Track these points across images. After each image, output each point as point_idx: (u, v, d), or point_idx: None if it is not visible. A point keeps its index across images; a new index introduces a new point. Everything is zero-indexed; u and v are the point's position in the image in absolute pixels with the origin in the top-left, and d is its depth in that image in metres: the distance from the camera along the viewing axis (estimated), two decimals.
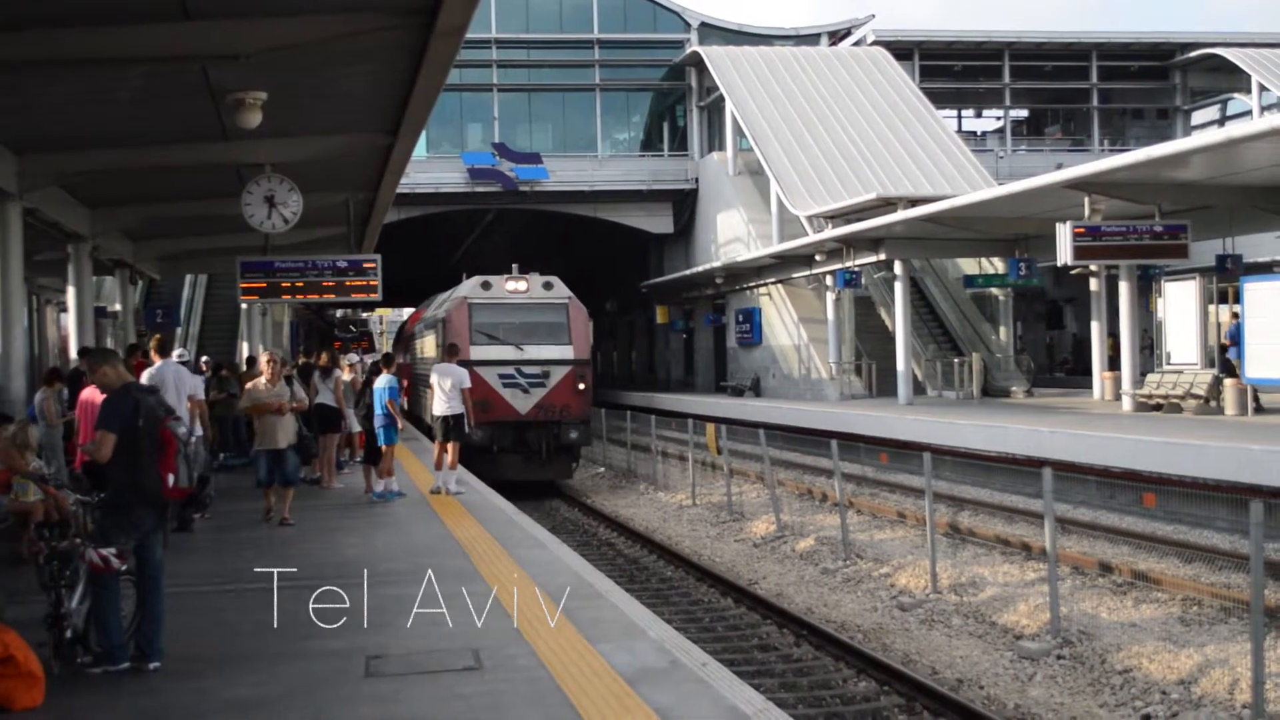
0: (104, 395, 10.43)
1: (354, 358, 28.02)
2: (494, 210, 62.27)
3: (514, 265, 33.67)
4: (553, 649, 10.06)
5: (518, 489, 28.03)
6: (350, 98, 17.74)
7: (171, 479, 10.02)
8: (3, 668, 8.57)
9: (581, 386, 31.76)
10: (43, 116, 17.07)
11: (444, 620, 11.35)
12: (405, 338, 52.16)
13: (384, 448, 20.49)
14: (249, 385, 19.02)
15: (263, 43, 13.56)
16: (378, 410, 20.55)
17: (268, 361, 18.82)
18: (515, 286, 32.76)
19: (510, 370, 31.26)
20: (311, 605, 12.11)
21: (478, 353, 30.94)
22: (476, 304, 32.36)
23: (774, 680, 13.84)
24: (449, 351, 22.44)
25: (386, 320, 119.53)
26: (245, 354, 33.12)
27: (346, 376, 22.97)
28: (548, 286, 32.85)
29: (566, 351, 31.96)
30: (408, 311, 76.06)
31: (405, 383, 38.25)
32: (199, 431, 17.48)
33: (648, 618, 11.31)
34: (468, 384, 21.14)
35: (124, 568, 9.87)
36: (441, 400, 20.92)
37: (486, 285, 32.78)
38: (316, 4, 13.49)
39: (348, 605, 12.17)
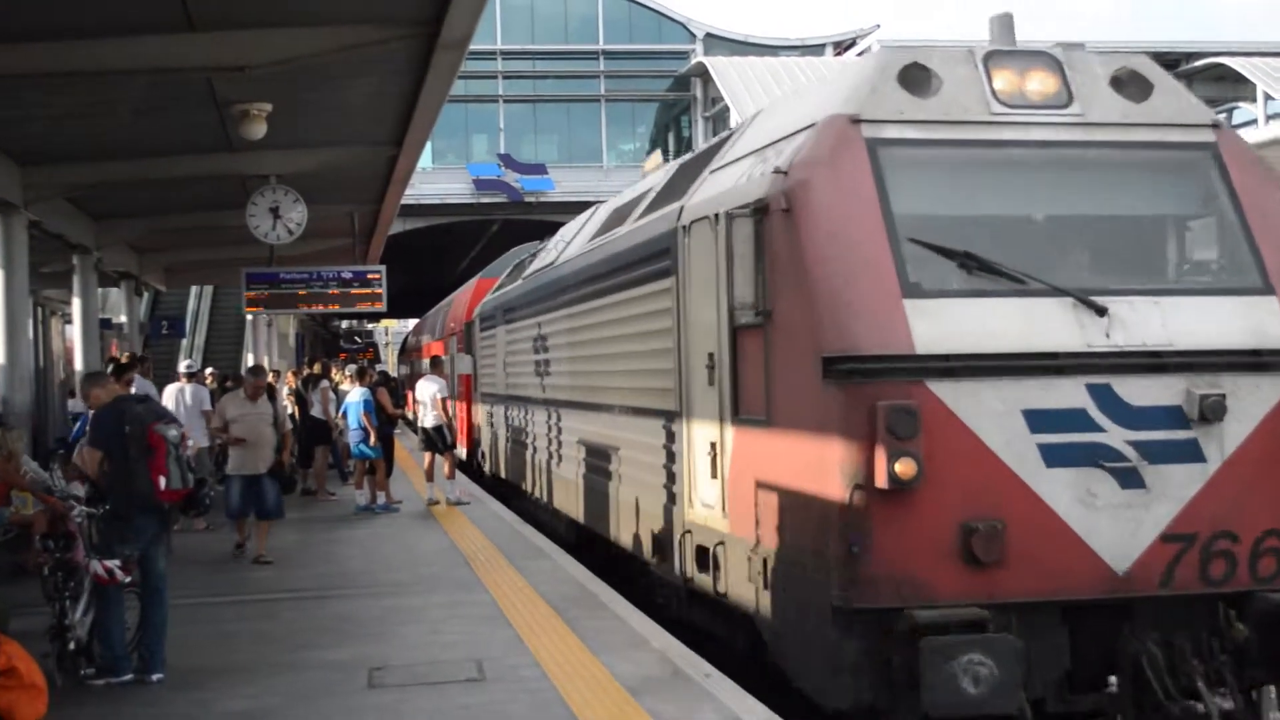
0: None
1: (351, 369, 25.51)
2: (499, 221, 62.38)
3: None
4: (555, 659, 10.05)
5: None
6: (355, 109, 17.76)
7: (163, 481, 10.03)
8: (5, 679, 8.54)
9: None
10: (47, 128, 17.08)
11: (446, 630, 11.37)
12: (466, 324, 28.31)
13: (358, 462, 20.67)
14: (221, 400, 17.01)
15: (268, 55, 13.57)
16: (352, 425, 20.58)
17: (249, 375, 17.17)
18: (1033, 85, 9.38)
19: (1075, 401, 8.44)
20: (313, 616, 12.16)
21: (936, 328, 8.44)
22: (903, 146, 9.07)
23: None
24: (433, 365, 22.10)
25: (392, 331, 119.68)
26: (250, 365, 33.09)
27: (345, 386, 23.01)
28: (1133, 87, 9.53)
29: (1270, 313, 8.84)
30: (413, 322, 75.99)
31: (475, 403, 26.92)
32: (204, 443, 17.49)
33: (651, 628, 11.30)
34: (445, 394, 20.96)
35: (128, 579, 9.90)
36: (427, 412, 20.99)
37: (915, 80, 9.19)
38: (322, 16, 13.51)
39: (350, 616, 12.21)
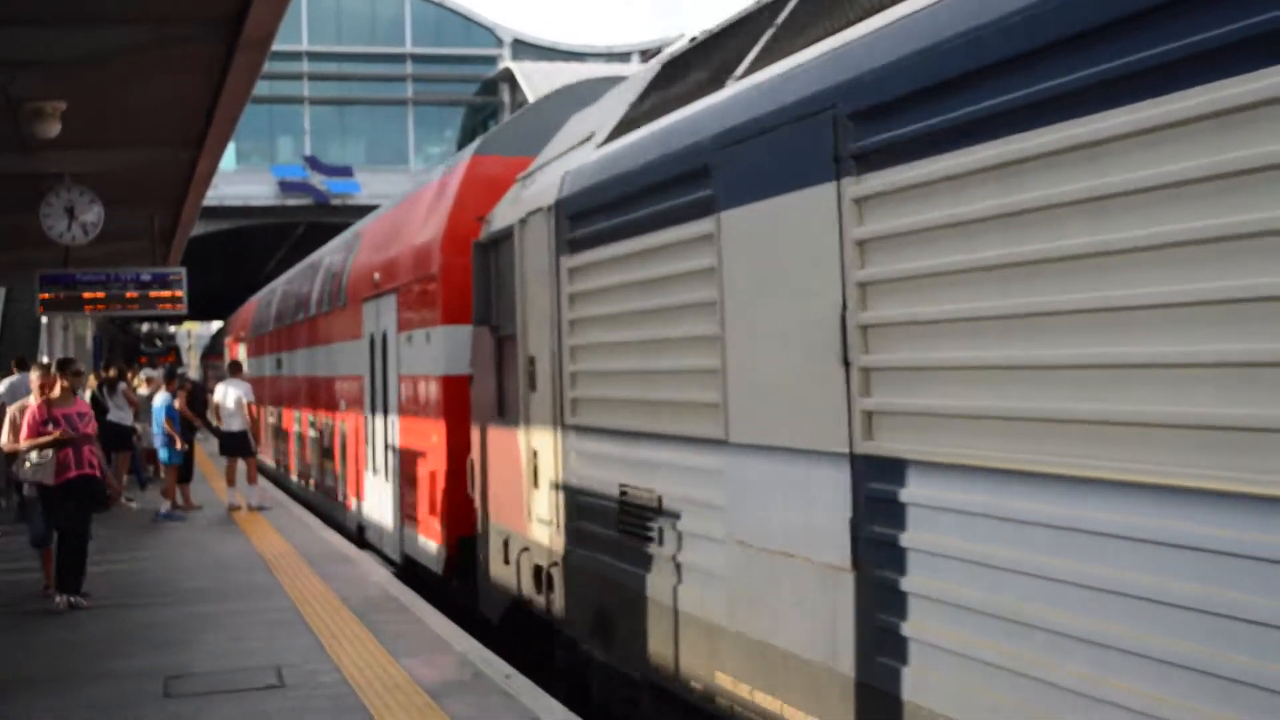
0: None
1: (151, 372, 24.75)
2: (304, 224, 61.69)
3: None
4: (357, 664, 10.04)
5: None
6: (154, 109, 17.43)
7: None
8: None
9: None
10: None
11: (247, 637, 11.27)
12: (480, 243, 12.11)
13: (167, 468, 20.48)
14: (14, 407, 13.91)
15: (62, 52, 13.30)
16: (155, 430, 20.39)
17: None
18: None
19: None
20: (112, 625, 11.96)
21: None
22: None
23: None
24: (232, 369, 22.21)
25: (194, 334, 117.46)
26: (60, 359, 32.23)
27: (144, 390, 22.68)
28: None
29: None
30: (216, 324, 74.40)
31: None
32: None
33: (453, 631, 11.34)
34: (251, 398, 20.93)
35: None
36: (227, 416, 20.84)
37: None
38: (119, 13, 13.27)
39: (149, 624, 12.05)
